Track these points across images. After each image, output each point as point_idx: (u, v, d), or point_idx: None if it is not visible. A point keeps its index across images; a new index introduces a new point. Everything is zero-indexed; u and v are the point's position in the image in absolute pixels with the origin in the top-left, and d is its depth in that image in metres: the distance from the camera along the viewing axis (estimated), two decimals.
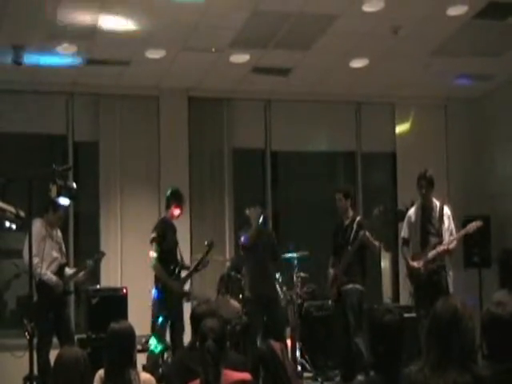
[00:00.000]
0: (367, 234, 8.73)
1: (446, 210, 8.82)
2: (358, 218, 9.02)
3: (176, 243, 9.00)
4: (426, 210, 8.82)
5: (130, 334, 5.07)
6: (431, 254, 8.63)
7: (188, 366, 5.11)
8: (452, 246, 8.72)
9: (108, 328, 5.09)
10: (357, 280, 8.82)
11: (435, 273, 8.61)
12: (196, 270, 9.02)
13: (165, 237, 8.81)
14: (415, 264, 8.68)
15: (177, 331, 8.68)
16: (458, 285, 10.66)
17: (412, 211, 8.93)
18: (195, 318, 5.33)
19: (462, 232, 8.90)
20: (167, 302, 8.64)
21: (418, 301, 8.59)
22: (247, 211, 9.37)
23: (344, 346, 8.81)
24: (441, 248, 8.63)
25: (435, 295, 4.04)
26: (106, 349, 5.04)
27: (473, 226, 8.77)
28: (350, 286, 8.79)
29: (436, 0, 8.52)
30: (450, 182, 11.89)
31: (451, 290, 8.62)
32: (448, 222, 8.78)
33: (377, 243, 8.90)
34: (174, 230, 8.99)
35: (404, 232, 8.98)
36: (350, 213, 9.06)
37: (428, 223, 8.77)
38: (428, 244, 8.71)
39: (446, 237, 8.70)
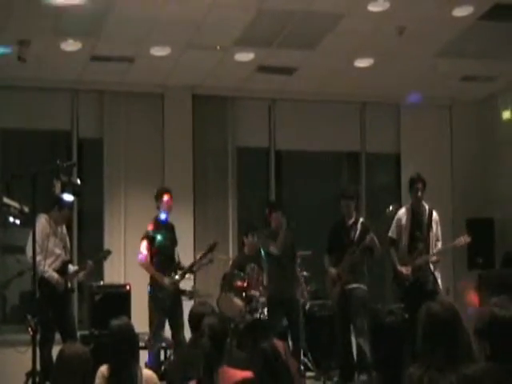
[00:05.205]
0: (374, 237, 8.74)
1: (435, 216, 8.86)
2: (362, 220, 9.04)
3: (172, 242, 9.01)
4: (415, 214, 8.85)
5: (130, 329, 5.14)
6: (418, 261, 8.66)
7: (189, 363, 5.14)
8: (438, 257, 8.78)
9: (109, 325, 5.16)
10: (362, 279, 8.83)
11: (422, 277, 8.66)
12: (191, 270, 9.00)
13: (155, 235, 8.83)
14: (404, 270, 8.69)
15: (175, 328, 8.68)
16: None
17: (402, 213, 8.94)
18: (193, 318, 5.54)
19: (450, 245, 9.03)
20: (159, 299, 8.65)
21: (406, 305, 8.51)
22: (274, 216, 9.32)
23: (344, 345, 8.81)
24: (428, 258, 8.68)
25: (423, 300, 4.06)
26: (110, 345, 5.08)
27: (461, 240, 8.83)
28: (356, 285, 8.79)
29: (442, 1, 8.52)
30: (454, 184, 11.88)
31: (441, 288, 8.71)
32: (436, 228, 8.83)
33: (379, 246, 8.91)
34: (168, 229, 8.98)
35: (392, 232, 8.96)
36: (354, 213, 9.07)
37: (417, 228, 8.81)
38: (415, 249, 8.75)
39: (433, 242, 8.74)
